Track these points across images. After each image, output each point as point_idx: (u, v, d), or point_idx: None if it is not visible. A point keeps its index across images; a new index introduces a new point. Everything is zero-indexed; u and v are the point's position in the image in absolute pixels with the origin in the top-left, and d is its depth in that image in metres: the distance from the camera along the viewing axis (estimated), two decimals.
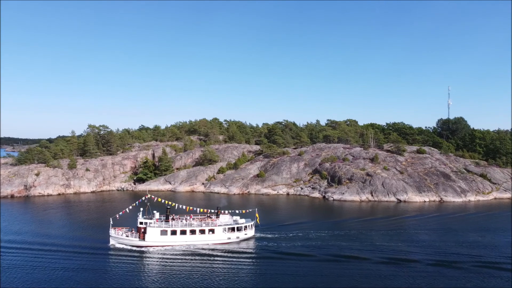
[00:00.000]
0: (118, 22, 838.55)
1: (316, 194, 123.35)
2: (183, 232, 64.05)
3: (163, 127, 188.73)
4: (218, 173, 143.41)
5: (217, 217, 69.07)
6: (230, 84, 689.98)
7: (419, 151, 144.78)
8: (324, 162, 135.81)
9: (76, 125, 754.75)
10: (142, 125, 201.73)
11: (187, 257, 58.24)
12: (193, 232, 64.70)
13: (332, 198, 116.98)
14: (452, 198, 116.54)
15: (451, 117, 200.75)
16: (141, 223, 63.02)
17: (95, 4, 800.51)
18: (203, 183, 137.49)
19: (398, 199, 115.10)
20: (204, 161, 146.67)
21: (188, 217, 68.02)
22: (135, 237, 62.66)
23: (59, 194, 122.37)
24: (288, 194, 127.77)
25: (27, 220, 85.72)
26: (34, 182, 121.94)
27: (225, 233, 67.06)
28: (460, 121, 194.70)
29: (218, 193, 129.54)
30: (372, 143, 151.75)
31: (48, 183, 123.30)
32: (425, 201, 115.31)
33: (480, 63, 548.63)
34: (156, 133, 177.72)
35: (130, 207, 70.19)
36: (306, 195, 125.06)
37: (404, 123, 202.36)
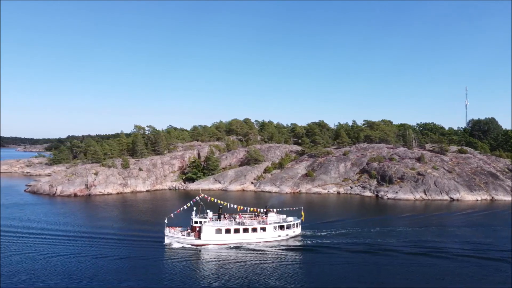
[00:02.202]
0: (118, 22, 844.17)
1: (368, 193, 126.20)
2: (236, 231, 65.22)
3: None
4: (264, 172, 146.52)
5: (266, 216, 70.38)
6: (228, 84, 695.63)
7: (461, 151, 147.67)
8: (371, 162, 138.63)
9: (79, 125, 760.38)
10: (170, 125, 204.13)
11: (242, 255, 59.75)
12: (245, 230, 65.86)
13: (386, 197, 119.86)
14: (503, 197, 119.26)
15: (472, 118, 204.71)
16: (196, 222, 64.07)
17: (96, 4, 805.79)
18: (252, 182, 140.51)
19: (451, 198, 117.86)
20: (250, 160, 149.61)
21: (237, 216, 68.81)
22: (190, 236, 63.71)
23: (118, 193, 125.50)
24: (338, 193, 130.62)
25: (98, 218, 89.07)
26: (94, 181, 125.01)
27: (275, 231, 68.60)
28: (491, 122, 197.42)
29: (269, 192, 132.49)
30: (414, 143, 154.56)
31: (107, 182, 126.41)
32: (477, 200, 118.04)
33: (482, 63, 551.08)
34: (195, 133, 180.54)
35: (185, 207, 71.34)
36: (358, 194, 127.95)
37: (435, 124, 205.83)
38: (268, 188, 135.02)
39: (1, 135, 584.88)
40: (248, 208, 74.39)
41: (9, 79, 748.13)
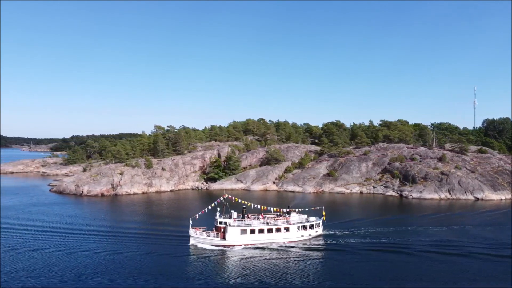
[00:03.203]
0: (119, 22, 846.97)
1: (391, 193, 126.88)
2: (261, 231, 65.27)
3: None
4: (285, 172, 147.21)
5: (289, 216, 70.41)
6: (228, 84, 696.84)
7: (480, 151, 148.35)
8: (393, 162, 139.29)
9: (79, 125, 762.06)
10: (183, 125, 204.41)
11: (267, 255, 59.71)
12: (270, 230, 65.95)
13: (411, 196, 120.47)
14: None
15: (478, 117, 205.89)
16: (220, 222, 64.03)
17: (96, 4, 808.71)
18: (274, 182, 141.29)
19: (475, 197, 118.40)
20: (270, 160, 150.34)
21: (260, 216, 68.82)
22: (216, 237, 63.52)
23: (143, 193, 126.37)
24: (361, 192, 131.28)
25: (134, 216, 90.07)
26: (120, 181, 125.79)
27: (298, 231, 68.60)
28: (507, 121, 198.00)
29: (292, 192, 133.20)
30: (434, 143, 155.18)
31: (132, 182, 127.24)
32: (501, 199, 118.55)
33: (483, 63, 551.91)
34: (212, 133, 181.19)
35: (210, 207, 70.53)
36: (381, 193, 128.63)
37: (449, 123, 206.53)
38: (291, 188, 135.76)
39: (3, 135, 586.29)
40: (272, 208, 74.63)
41: (9, 79, 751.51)
